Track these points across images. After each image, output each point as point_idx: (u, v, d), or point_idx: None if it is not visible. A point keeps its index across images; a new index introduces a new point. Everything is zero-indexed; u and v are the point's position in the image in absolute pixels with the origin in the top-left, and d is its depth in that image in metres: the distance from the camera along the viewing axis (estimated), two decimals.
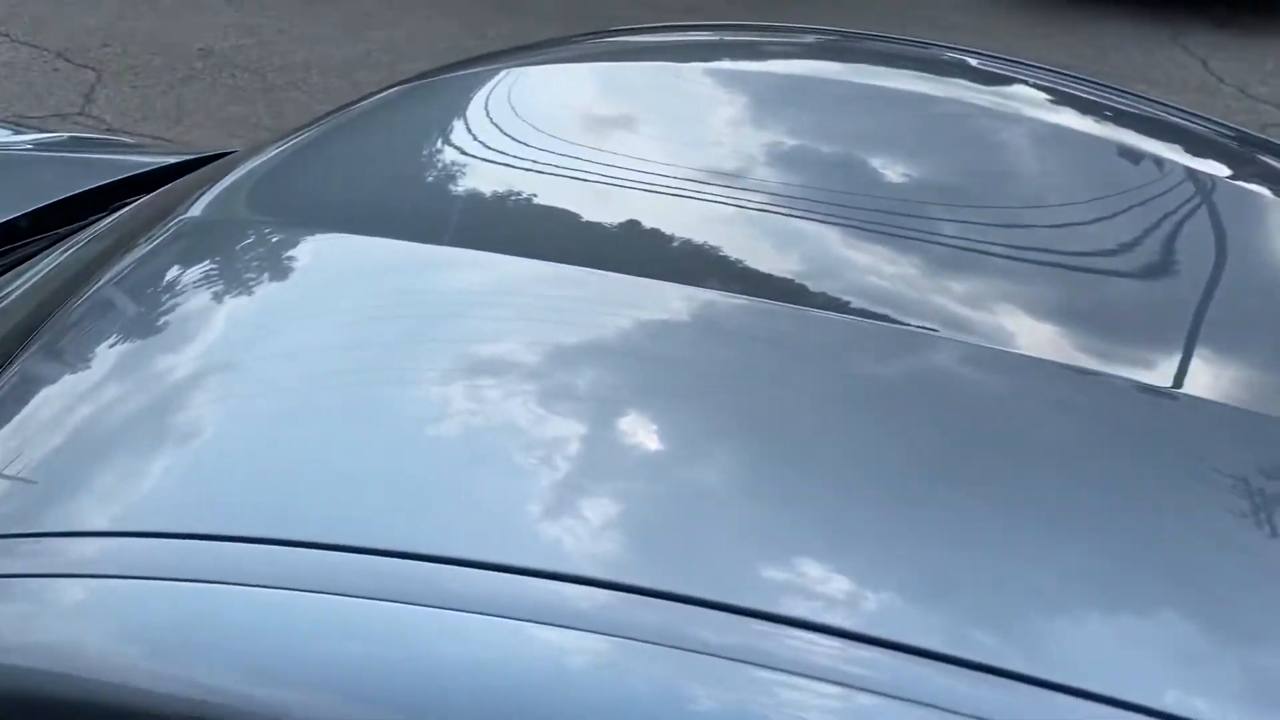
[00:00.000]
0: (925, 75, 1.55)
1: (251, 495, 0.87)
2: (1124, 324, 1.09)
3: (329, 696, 0.75)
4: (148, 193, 1.50)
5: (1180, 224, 1.28)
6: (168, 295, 1.14)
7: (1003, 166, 1.33)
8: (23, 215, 1.51)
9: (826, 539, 0.84)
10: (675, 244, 1.16)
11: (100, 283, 1.16)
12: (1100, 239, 1.21)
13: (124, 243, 1.24)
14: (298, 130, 1.48)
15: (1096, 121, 1.47)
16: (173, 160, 1.68)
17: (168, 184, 1.49)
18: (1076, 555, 0.84)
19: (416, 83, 1.57)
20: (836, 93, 1.44)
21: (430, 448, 0.91)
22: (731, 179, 1.23)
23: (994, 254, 1.15)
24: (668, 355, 1.00)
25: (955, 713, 0.71)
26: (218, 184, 1.32)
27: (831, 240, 1.17)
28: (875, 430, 0.93)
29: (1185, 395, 1.00)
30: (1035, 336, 1.05)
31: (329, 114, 1.53)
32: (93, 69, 3.96)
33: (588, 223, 1.19)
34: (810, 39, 1.74)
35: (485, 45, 4.12)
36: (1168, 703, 0.73)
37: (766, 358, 1.00)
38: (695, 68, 1.53)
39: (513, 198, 1.25)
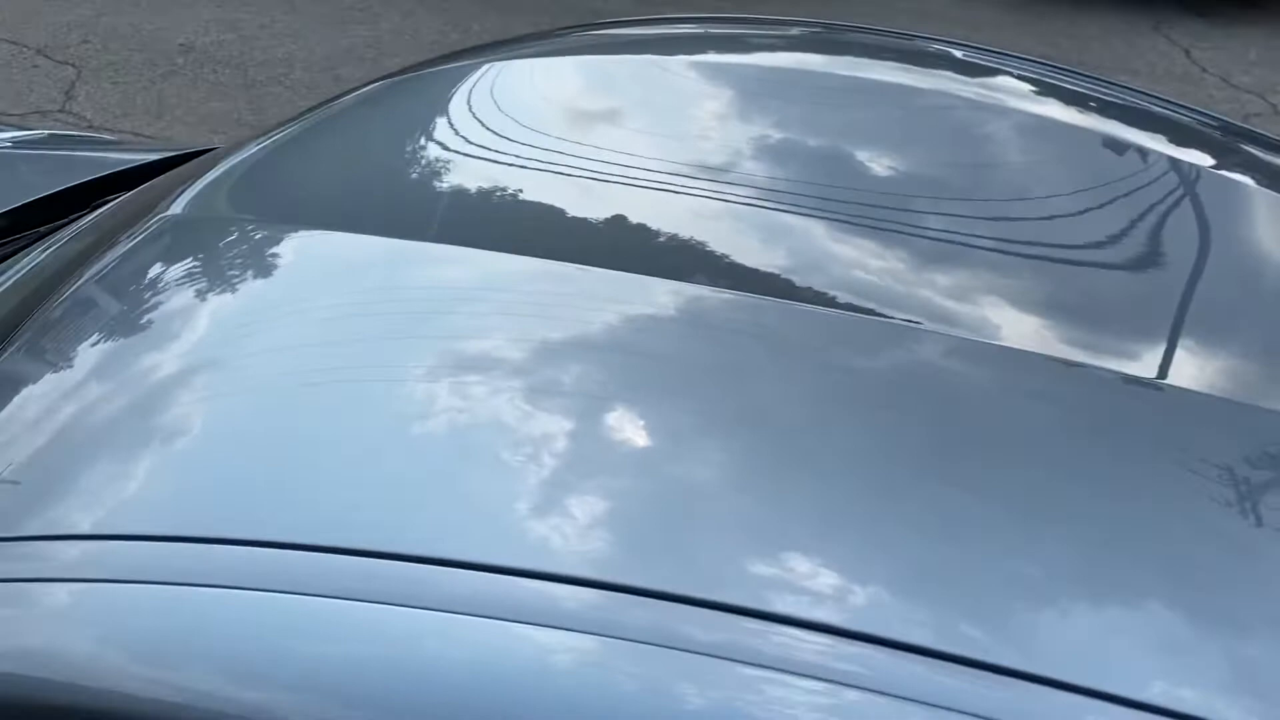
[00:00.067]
0: (910, 68, 1.54)
1: (236, 497, 0.87)
2: (1109, 315, 1.09)
3: (316, 698, 0.75)
4: (129, 190, 1.49)
5: (1165, 215, 1.29)
6: (149, 293, 1.13)
7: (988, 159, 1.33)
8: (2, 214, 1.49)
9: (813, 534, 0.84)
10: (661, 239, 1.15)
11: (81, 281, 1.15)
12: (1085, 230, 1.21)
13: (105, 240, 1.23)
14: (280, 126, 1.47)
15: (1081, 113, 1.47)
16: (154, 157, 1.67)
17: (149, 181, 1.48)
18: (1063, 548, 0.84)
19: (400, 78, 1.56)
20: (822, 85, 1.44)
21: (416, 446, 0.90)
22: (717, 173, 1.23)
23: (979, 246, 1.15)
24: (654, 351, 0.99)
25: (943, 708, 0.71)
26: (199, 181, 1.31)
27: (817, 234, 1.17)
28: (861, 424, 0.93)
29: (1170, 386, 1.01)
30: (1021, 329, 1.05)
31: (311, 109, 1.52)
32: (73, 65, 3.93)
33: (573, 218, 1.19)
34: (795, 31, 1.74)
35: (470, 39, 4.10)
36: (1156, 694, 0.74)
37: (753, 352, 1.00)
38: (680, 61, 1.53)
39: (498, 193, 1.25)
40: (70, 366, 1.06)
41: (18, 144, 1.87)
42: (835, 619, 0.76)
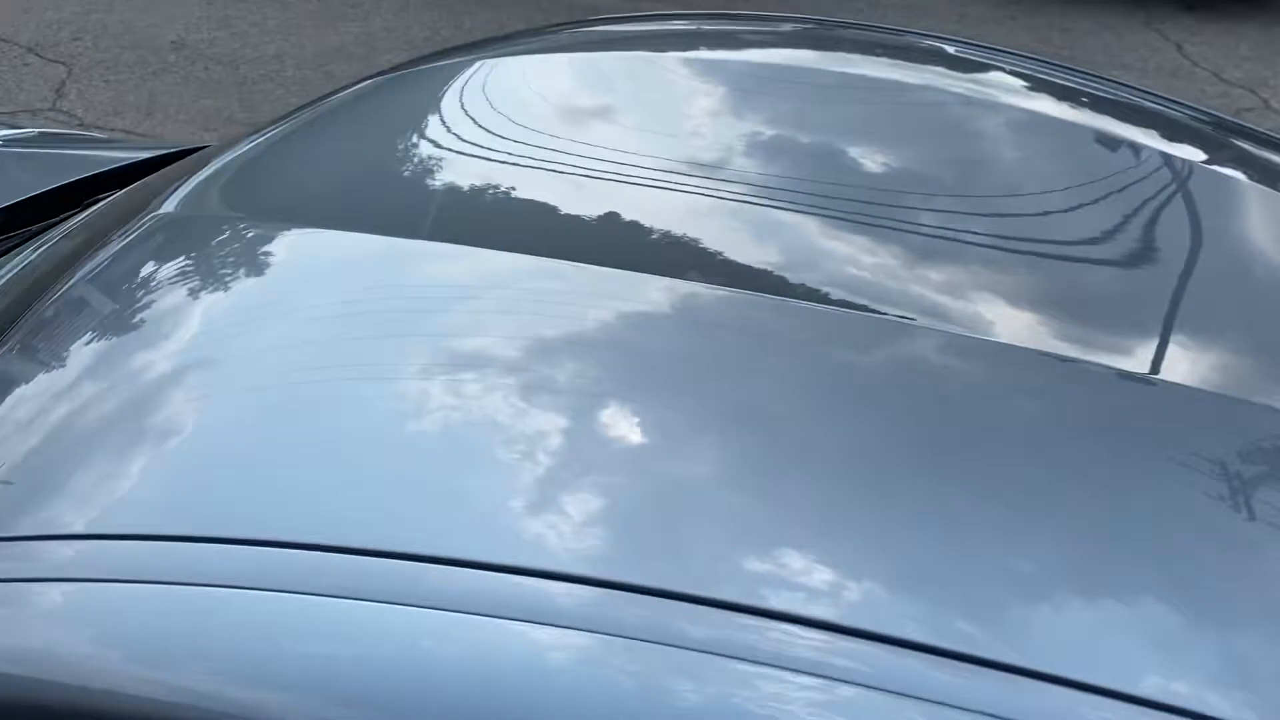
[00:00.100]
0: (903, 64, 1.55)
1: (230, 496, 0.86)
2: (1102, 311, 1.09)
3: (311, 698, 0.75)
4: (121, 188, 1.49)
5: (1157, 210, 1.29)
6: (142, 292, 1.13)
7: (980, 154, 1.34)
8: None
9: (808, 530, 0.84)
10: (656, 235, 1.15)
11: (74, 280, 1.15)
12: (1077, 226, 1.21)
13: (97, 239, 1.23)
14: (273, 124, 1.46)
15: (1072, 108, 1.47)
16: (145, 155, 1.66)
17: (141, 179, 1.47)
18: (1057, 543, 0.84)
19: (393, 74, 1.56)
20: (814, 82, 1.44)
21: (411, 445, 0.90)
22: (711, 169, 1.23)
23: (972, 242, 1.15)
24: (648, 348, 0.99)
25: (939, 703, 0.71)
26: (192, 179, 1.30)
27: (811, 230, 1.17)
28: (855, 420, 0.93)
29: (1163, 381, 1.01)
30: (1014, 324, 1.05)
31: (304, 107, 1.51)
32: (63, 63, 3.92)
33: (568, 215, 1.19)
34: (787, 28, 1.74)
35: (463, 36, 4.09)
36: (1151, 689, 0.74)
37: (747, 349, 1.00)
38: (673, 58, 1.53)
39: (491, 191, 1.25)
40: (63, 366, 1.05)
41: (8, 142, 1.86)
42: (830, 615, 0.77)
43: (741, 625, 0.75)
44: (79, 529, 0.85)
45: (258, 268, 1.14)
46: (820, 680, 0.72)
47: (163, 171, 1.45)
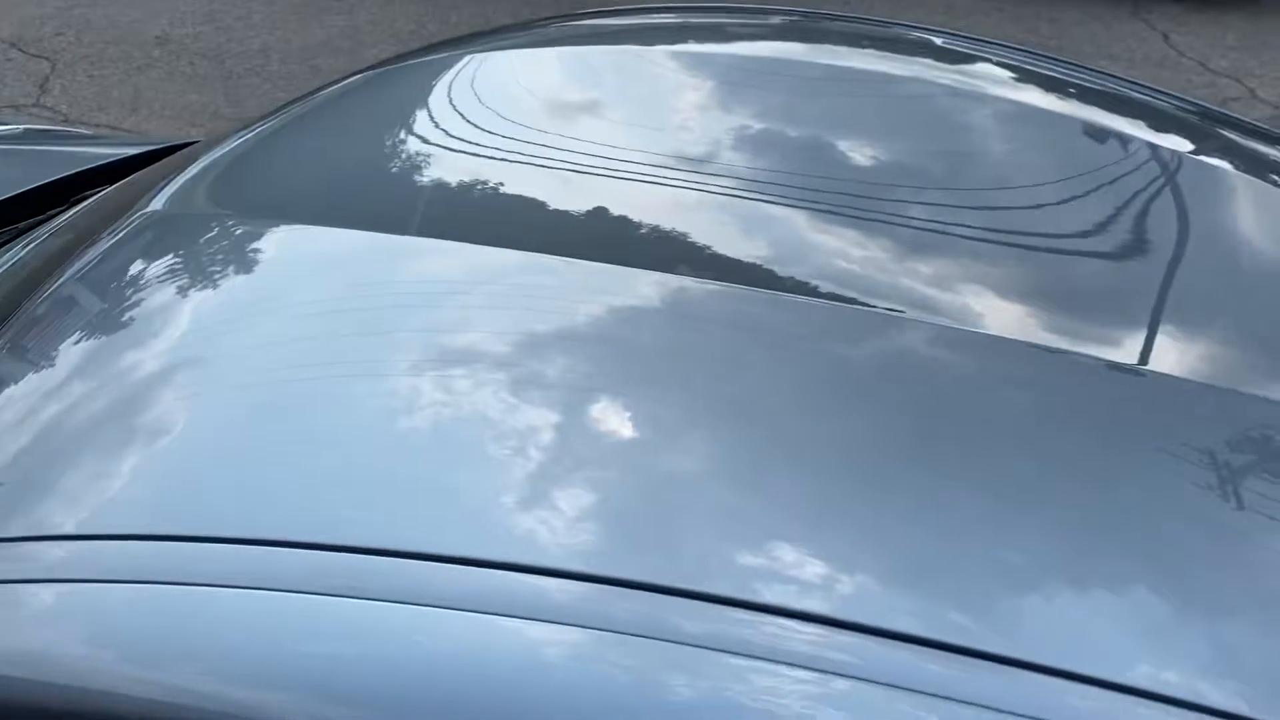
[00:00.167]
0: (890, 55, 1.55)
1: (222, 495, 0.86)
2: (1091, 302, 1.09)
3: (304, 696, 0.74)
4: (108, 185, 1.48)
5: (1145, 200, 1.29)
6: (132, 291, 1.12)
7: (968, 146, 1.34)
8: None
9: (799, 524, 0.84)
10: (645, 230, 1.15)
11: (62, 279, 1.14)
12: (1066, 217, 1.22)
13: (86, 237, 1.22)
14: (261, 120, 1.46)
15: (1060, 99, 1.47)
16: (132, 151, 1.65)
17: (128, 176, 1.47)
18: (1048, 534, 0.84)
19: (381, 70, 1.56)
20: (802, 75, 1.44)
21: (403, 442, 0.90)
22: (700, 164, 1.23)
23: (961, 234, 1.16)
24: (639, 343, 0.99)
25: (932, 694, 0.72)
26: (180, 176, 1.30)
27: (800, 224, 1.17)
28: (846, 413, 0.93)
29: (1152, 372, 1.01)
30: (1004, 316, 1.06)
31: (292, 103, 1.51)
32: (47, 59, 3.90)
33: (557, 210, 1.19)
34: (776, 20, 1.73)
35: (449, 30, 4.08)
36: (1143, 678, 0.74)
37: (737, 343, 1.00)
38: (661, 51, 1.52)
39: (481, 186, 1.24)
40: (52, 365, 1.05)
41: None
42: (823, 608, 0.77)
43: (735, 619, 0.75)
44: (71, 529, 0.84)
45: (248, 265, 1.14)
46: (814, 674, 0.73)
47: (151, 168, 1.44)
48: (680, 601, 0.76)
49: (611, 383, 0.96)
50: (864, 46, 1.57)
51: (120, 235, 1.19)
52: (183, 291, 1.10)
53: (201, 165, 1.32)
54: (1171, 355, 1.05)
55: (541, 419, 0.91)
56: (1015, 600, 0.80)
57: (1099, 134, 1.39)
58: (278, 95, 3.52)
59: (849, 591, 0.80)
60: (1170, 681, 0.75)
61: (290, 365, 1.00)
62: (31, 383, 1.03)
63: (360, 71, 1.57)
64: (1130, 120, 1.43)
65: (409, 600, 0.76)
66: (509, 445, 0.88)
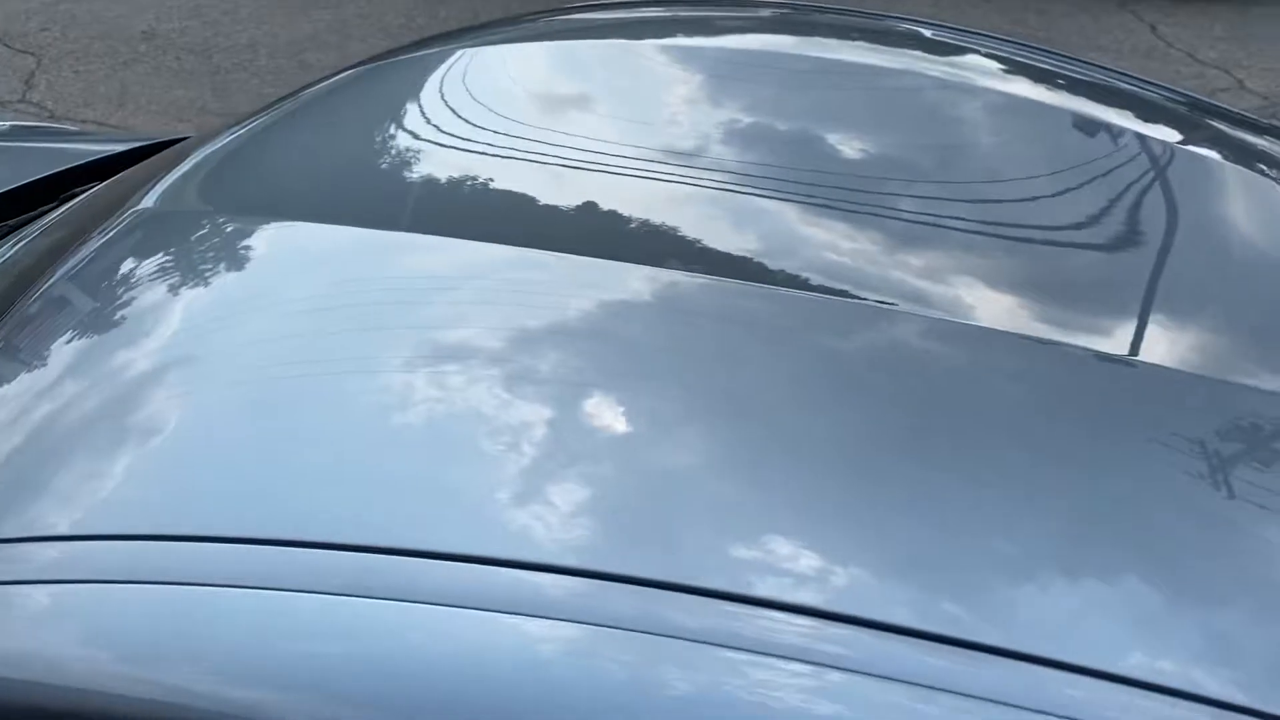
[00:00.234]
0: (880, 48, 1.55)
1: (218, 494, 0.86)
2: (1083, 293, 1.10)
3: (302, 695, 0.74)
4: (97, 182, 1.47)
5: (1135, 191, 1.30)
6: (125, 289, 1.12)
7: (958, 138, 1.34)
8: None
9: (794, 518, 0.84)
10: (635, 224, 1.15)
11: (55, 278, 1.14)
12: (1057, 209, 1.22)
13: (78, 235, 1.22)
14: (252, 116, 1.45)
15: (1049, 90, 1.48)
16: (121, 148, 1.64)
17: (118, 173, 1.46)
18: (1042, 525, 0.85)
19: (372, 65, 1.55)
20: (791, 67, 1.44)
21: (397, 439, 0.90)
22: (691, 158, 1.23)
23: (952, 226, 1.16)
24: (632, 338, 0.99)
25: (927, 686, 0.72)
26: (172, 173, 1.29)
27: (792, 217, 1.18)
28: (839, 407, 0.94)
29: (1144, 363, 1.02)
30: (996, 308, 1.06)
31: (283, 99, 1.50)
32: (32, 54, 3.87)
33: (548, 205, 1.19)
34: (764, 13, 1.73)
35: (438, 24, 4.06)
36: (1138, 668, 0.75)
37: (730, 337, 1.00)
38: (651, 45, 1.52)
39: (472, 181, 1.24)
40: (45, 365, 1.04)
41: None
42: (818, 601, 0.77)
43: (730, 613, 0.75)
44: (66, 530, 0.84)
45: (240, 263, 1.14)
46: (810, 667, 0.73)
47: (141, 165, 1.43)
48: (676, 596, 0.76)
49: (604, 378, 0.96)
50: (853, 39, 1.57)
51: (112, 233, 1.19)
52: (175, 289, 1.10)
53: (193, 162, 1.32)
54: (1162, 345, 1.05)
55: (535, 414, 0.91)
56: (1008, 591, 0.81)
57: (1089, 125, 1.39)
58: (265, 90, 3.50)
59: (843, 584, 0.80)
60: (1164, 670, 0.75)
61: (284, 363, 1.00)
62: (24, 382, 1.03)
63: (351, 67, 1.56)
64: (1120, 111, 1.43)
65: (406, 598, 0.76)
66: (503, 441, 0.88)
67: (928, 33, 1.59)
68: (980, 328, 1.01)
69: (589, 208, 1.15)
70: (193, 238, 1.18)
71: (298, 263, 1.13)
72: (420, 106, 1.38)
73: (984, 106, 1.37)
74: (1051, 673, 0.73)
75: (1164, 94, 1.53)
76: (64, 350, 1.05)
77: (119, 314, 1.09)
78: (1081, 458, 0.90)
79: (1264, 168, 1.39)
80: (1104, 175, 1.30)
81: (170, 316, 1.06)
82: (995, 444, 0.92)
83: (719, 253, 1.11)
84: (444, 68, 1.44)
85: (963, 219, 1.18)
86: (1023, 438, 0.92)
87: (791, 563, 0.81)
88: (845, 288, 1.05)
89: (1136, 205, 1.27)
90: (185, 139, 1.59)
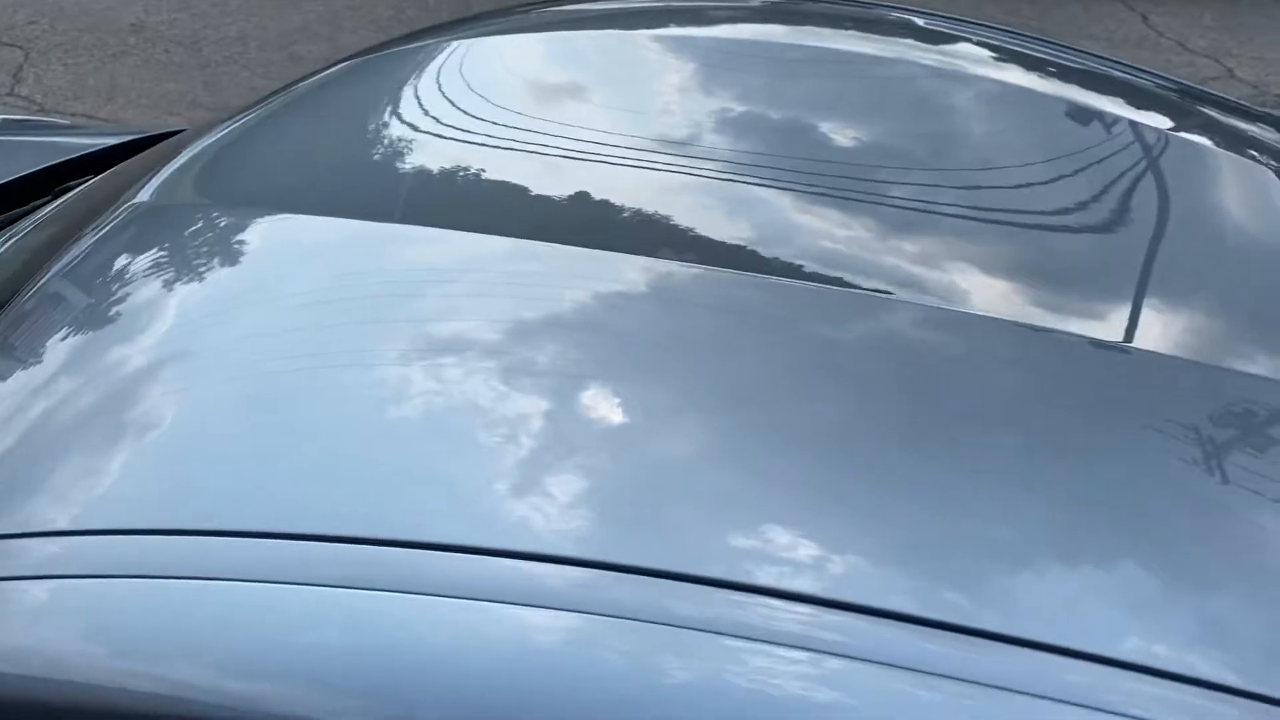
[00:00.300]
0: (873, 37, 1.55)
1: (216, 488, 0.86)
2: (1077, 280, 1.10)
3: (302, 687, 0.75)
4: (90, 176, 1.47)
5: (1128, 178, 1.30)
6: (120, 284, 1.12)
7: (951, 126, 1.34)
8: None
9: (792, 506, 0.85)
10: (630, 215, 1.15)
11: (50, 273, 1.13)
12: (1050, 196, 1.22)
13: (72, 230, 1.21)
14: (247, 109, 1.45)
15: (1042, 78, 1.48)
16: (114, 141, 1.64)
17: (111, 167, 1.46)
18: (1038, 512, 0.85)
19: (365, 57, 1.55)
20: (786, 57, 1.44)
21: (395, 431, 0.90)
22: (685, 147, 1.23)
23: (947, 214, 1.16)
24: (629, 328, 1.00)
25: (927, 673, 0.72)
26: (167, 167, 1.29)
27: (787, 207, 1.18)
28: (836, 395, 0.94)
29: (1138, 349, 1.02)
30: (990, 296, 1.06)
31: (277, 91, 1.50)
32: (20, 47, 3.85)
33: (543, 196, 1.19)
34: (758, 2, 1.73)
35: (429, 15, 4.05)
36: (1135, 652, 0.75)
37: (726, 326, 1.01)
38: (645, 35, 1.52)
39: (467, 173, 1.24)
40: (41, 360, 1.04)
41: None
42: (816, 589, 0.77)
43: (729, 601, 0.76)
44: (64, 525, 0.84)
45: (236, 257, 1.13)
46: (810, 654, 0.73)
47: (135, 159, 1.43)
48: (676, 585, 0.77)
49: (600, 368, 0.96)
50: (846, 28, 1.57)
51: (107, 228, 1.18)
52: (171, 284, 1.09)
53: (188, 156, 1.31)
54: (1157, 331, 1.06)
55: (532, 405, 0.91)
56: (1006, 577, 0.81)
57: (1082, 112, 1.40)
58: (256, 83, 3.49)
59: (841, 571, 0.80)
60: (1160, 654, 0.76)
61: (280, 356, 1.00)
62: (21, 378, 1.03)
63: (344, 60, 1.56)
64: (1113, 98, 1.44)
65: (405, 589, 0.76)
66: (500, 432, 0.88)
67: (921, 21, 1.59)
68: (976, 315, 1.02)
69: (583, 198, 1.15)
70: (188, 232, 1.18)
71: (293, 256, 1.13)
72: (414, 99, 1.38)
73: (977, 94, 1.38)
74: (1049, 658, 0.74)
75: (1156, 81, 1.54)
76: (60, 346, 1.05)
77: (115, 309, 1.09)
78: (1078, 444, 0.91)
79: (1256, 154, 1.40)
80: (1098, 162, 1.30)
81: (166, 311, 1.06)
82: (992, 431, 0.92)
83: (714, 242, 1.11)
84: (437, 59, 1.44)
85: (957, 207, 1.18)
86: (1019, 424, 0.93)
87: (790, 550, 0.81)
88: (840, 276, 1.06)
89: (1130, 192, 1.27)
90: (178, 133, 1.58)
